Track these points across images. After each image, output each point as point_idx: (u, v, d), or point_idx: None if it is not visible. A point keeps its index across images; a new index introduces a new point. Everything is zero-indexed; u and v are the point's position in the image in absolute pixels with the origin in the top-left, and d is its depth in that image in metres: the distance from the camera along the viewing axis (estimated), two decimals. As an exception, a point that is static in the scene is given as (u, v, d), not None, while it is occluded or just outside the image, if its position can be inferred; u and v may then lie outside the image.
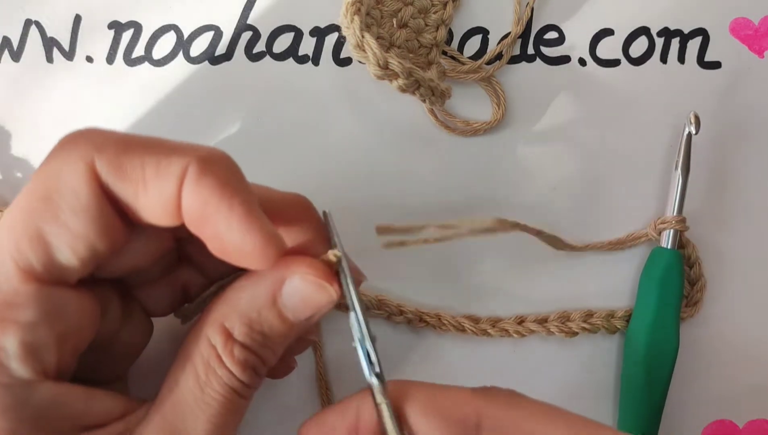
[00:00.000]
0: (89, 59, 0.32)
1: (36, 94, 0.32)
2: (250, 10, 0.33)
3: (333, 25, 0.32)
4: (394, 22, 0.31)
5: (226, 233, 0.19)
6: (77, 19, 0.32)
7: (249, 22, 0.32)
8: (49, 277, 0.20)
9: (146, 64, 0.32)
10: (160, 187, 0.19)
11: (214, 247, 0.20)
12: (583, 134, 0.33)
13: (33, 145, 0.32)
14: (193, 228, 0.20)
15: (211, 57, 0.32)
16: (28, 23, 0.32)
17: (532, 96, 0.33)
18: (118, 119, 0.32)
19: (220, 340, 0.21)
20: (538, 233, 0.28)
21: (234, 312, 0.21)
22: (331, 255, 0.22)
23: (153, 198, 0.19)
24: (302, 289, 0.21)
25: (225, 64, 0.32)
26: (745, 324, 0.32)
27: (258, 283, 0.22)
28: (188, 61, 0.32)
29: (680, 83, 0.33)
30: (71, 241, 0.19)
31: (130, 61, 0.32)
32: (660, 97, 0.33)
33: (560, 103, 0.33)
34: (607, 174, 0.33)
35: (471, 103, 0.33)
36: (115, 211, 0.20)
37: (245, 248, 0.19)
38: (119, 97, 0.32)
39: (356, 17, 0.28)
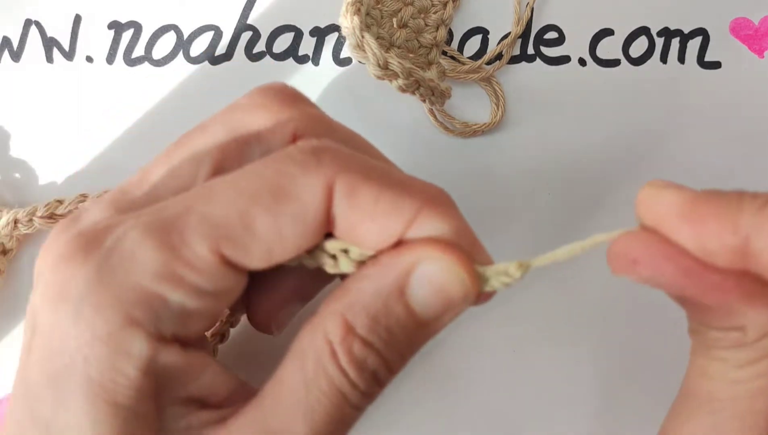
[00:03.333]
0: (89, 59, 0.32)
1: (36, 94, 0.32)
2: (250, 10, 0.33)
3: (333, 25, 0.32)
4: (394, 22, 0.31)
5: None
6: (77, 19, 0.32)
7: (249, 22, 0.32)
8: (235, 263, 0.18)
9: (146, 64, 0.32)
10: (388, 224, 0.18)
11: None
12: (583, 134, 0.33)
13: (32, 146, 0.32)
14: None
15: (211, 57, 0.32)
16: (28, 23, 0.32)
17: (532, 96, 0.33)
18: (118, 119, 0.32)
19: (339, 334, 0.18)
20: None
21: (357, 303, 0.18)
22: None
23: (375, 234, 0.19)
24: (434, 277, 0.18)
25: (225, 64, 0.32)
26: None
27: (385, 270, 0.18)
28: (188, 61, 0.32)
29: (680, 83, 0.33)
30: (270, 242, 0.18)
31: (130, 61, 0.32)
32: (660, 97, 0.33)
33: (560, 103, 0.33)
34: (608, 174, 0.33)
35: (471, 103, 0.33)
36: (323, 231, 0.19)
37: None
38: (119, 97, 0.32)
39: (356, 17, 0.28)
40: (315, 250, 0.20)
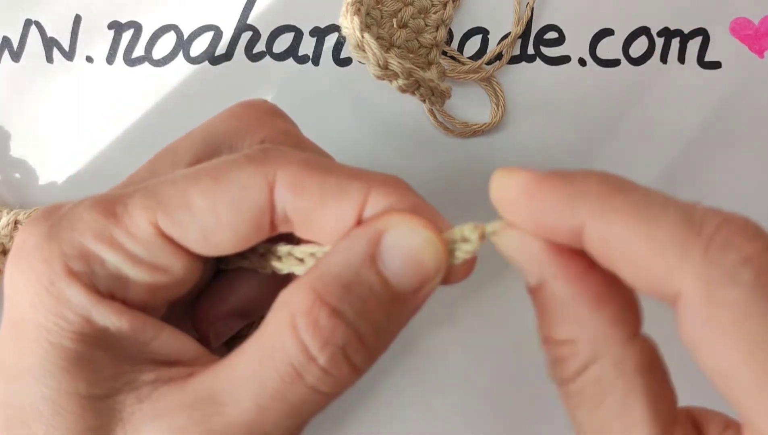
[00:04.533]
0: (89, 59, 0.32)
1: (36, 94, 0.32)
2: (250, 10, 0.33)
3: (333, 25, 0.32)
4: (394, 22, 0.31)
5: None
6: (77, 19, 0.32)
7: (249, 22, 0.32)
8: (173, 239, 0.19)
9: (146, 64, 0.32)
10: (340, 209, 0.19)
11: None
12: (582, 135, 0.33)
13: (32, 146, 0.32)
14: None
15: (211, 57, 0.32)
16: (28, 23, 0.32)
17: (532, 96, 0.33)
18: (118, 119, 0.32)
19: (305, 304, 0.17)
20: None
21: (327, 274, 0.18)
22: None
23: (330, 221, 0.19)
24: (405, 243, 0.18)
25: (225, 64, 0.32)
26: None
27: (354, 240, 0.18)
28: (188, 61, 0.32)
29: (680, 83, 0.33)
30: (206, 224, 0.19)
31: (130, 61, 0.32)
32: (660, 97, 0.33)
33: (560, 103, 0.33)
34: (607, 174, 0.33)
35: (471, 103, 0.33)
36: (270, 220, 0.19)
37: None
38: (119, 97, 0.32)
39: (356, 17, 0.28)
40: (266, 253, 0.20)
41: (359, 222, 0.19)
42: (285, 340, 0.17)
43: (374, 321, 0.18)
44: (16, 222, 0.29)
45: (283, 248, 0.20)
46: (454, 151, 0.32)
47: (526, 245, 0.18)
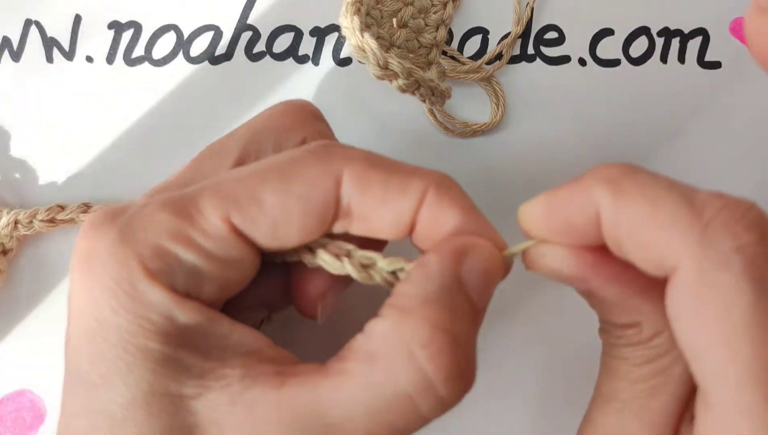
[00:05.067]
0: (89, 59, 0.32)
1: (36, 94, 0.32)
2: (250, 10, 0.33)
3: (333, 25, 0.32)
4: (394, 22, 0.31)
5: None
6: (77, 19, 0.32)
7: (249, 22, 0.32)
8: (244, 234, 0.20)
9: (146, 64, 0.32)
10: (399, 205, 0.20)
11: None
12: (582, 135, 0.33)
13: (32, 146, 0.32)
14: (420, 243, 0.21)
15: (211, 57, 0.32)
16: (28, 23, 0.32)
17: (532, 96, 0.33)
18: (118, 119, 0.32)
19: (421, 335, 0.18)
20: None
21: (431, 301, 0.19)
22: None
23: (389, 216, 0.20)
24: (482, 268, 0.20)
25: (225, 64, 0.32)
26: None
27: (443, 265, 0.19)
28: (188, 61, 0.32)
29: (680, 83, 0.33)
30: (276, 217, 0.20)
31: (130, 61, 0.32)
32: (660, 97, 0.33)
33: (560, 103, 0.33)
34: (607, 174, 0.33)
35: (471, 103, 0.33)
36: (334, 214, 0.20)
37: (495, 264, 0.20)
38: (119, 97, 0.32)
39: (356, 17, 0.28)
40: (315, 248, 0.21)
41: (415, 220, 0.20)
42: (402, 371, 0.18)
43: (473, 344, 0.19)
44: (16, 222, 0.29)
45: (344, 245, 0.21)
46: (454, 151, 0.32)
47: (564, 259, 0.20)
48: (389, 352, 0.18)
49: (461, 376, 0.19)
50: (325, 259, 0.21)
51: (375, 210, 0.20)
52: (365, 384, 0.18)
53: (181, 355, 0.19)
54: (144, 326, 0.19)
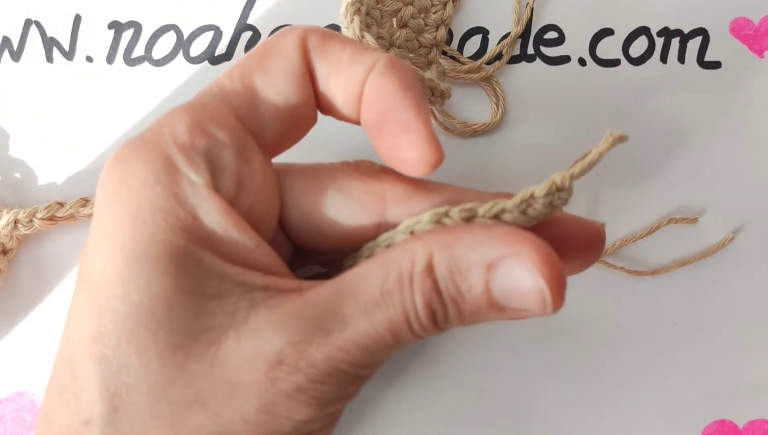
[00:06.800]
0: (89, 59, 0.32)
1: (36, 94, 0.32)
2: (250, 10, 0.33)
3: (333, 25, 0.32)
4: (394, 22, 0.31)
5: (403, 123, 0.21)
6: (77, 19, 0.32)
7: (249, 22, 0.32)
8: (249, 125, 0.21)
9: (146, 64, 0.32)
10: (352, 71, 0.21)
11: (384, 146, 0.21)
12: (582, 134, 0.33)
13: (32, 146, 0.32)
14: (369, 121, 0.21)
15: (211, 57, 0.32)
16: (28, 23, 0.32)
17: (532, 96, 0.33)
18: (118, 119, 0.32)
19: (422, 265, 0.19)
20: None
21: (445, 252, 0.19)
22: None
23: (343, 81, 0.21)
24: (519, 282, 0.19)
25: (225, 64, 0.32)
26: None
27: (479, 244, 0.19)
28: (188, 61, 0.32)
29: (680, 83, 0.33)
30: (274, 97, 0.21)
31: (130, 61, 0.32)
32: (660, 97, 0.33)
33: (560, 103, 0.33)
34: (608, 175, 0.33)
35: (471, 103, 0.33)
36: (311, 86, 0.22)
37: (419, 146, 0.21)
38: (119, 97, 0.32)
39: (356, 17, 0.28)
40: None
41: (363, 86, 0.21)
42: (404, 288, 0.19)
43: (461, 313, 0.20)
44: (16, 221, 0.29)
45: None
46: (453, 151, 0.32)
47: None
48: (399, 269, 0.20)
49: (434, 314, 0.20)
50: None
51: (332, 77, 0.21)
52: (378, 288, 0.19)
53: (205, 256, 0.19)
54: (169, 221, 0.19)
